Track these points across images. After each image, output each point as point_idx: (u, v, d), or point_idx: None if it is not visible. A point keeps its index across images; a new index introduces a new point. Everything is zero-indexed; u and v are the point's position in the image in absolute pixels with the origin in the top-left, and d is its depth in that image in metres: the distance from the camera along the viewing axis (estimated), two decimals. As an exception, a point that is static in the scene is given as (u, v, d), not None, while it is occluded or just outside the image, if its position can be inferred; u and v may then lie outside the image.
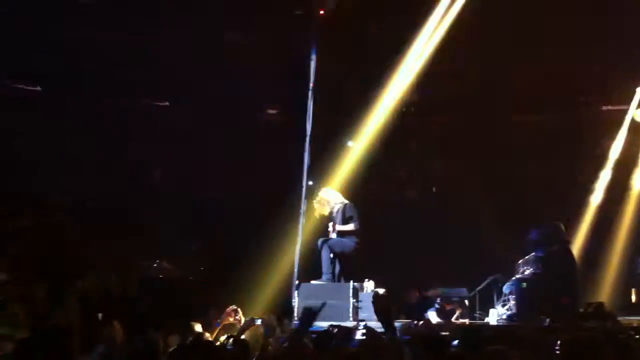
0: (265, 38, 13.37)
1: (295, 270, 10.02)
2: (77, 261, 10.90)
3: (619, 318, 8.92)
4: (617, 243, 13.48)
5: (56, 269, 10.32)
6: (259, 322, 6.68)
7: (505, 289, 10.34)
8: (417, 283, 11.66)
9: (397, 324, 5.84)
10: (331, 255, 9.87)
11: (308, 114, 10.44)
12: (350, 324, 8.30)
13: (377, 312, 3.91)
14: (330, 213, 10.00)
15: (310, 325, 4.52)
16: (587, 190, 14.24)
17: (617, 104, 14.63)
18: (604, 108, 14.71)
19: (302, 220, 10.15)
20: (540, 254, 9.94)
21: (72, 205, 12.69)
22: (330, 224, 9.89)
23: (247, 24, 13.34)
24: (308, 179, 10.42)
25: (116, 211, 13.11)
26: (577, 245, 12.48)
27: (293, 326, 7.68)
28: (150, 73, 12.66)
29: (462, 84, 14.61)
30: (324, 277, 9.75)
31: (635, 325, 8.28)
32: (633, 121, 13.99)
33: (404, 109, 14.49)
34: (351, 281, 9.49)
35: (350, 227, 9.78)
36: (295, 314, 9.18)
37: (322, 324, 6.36)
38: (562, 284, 9.71)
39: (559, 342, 5.53)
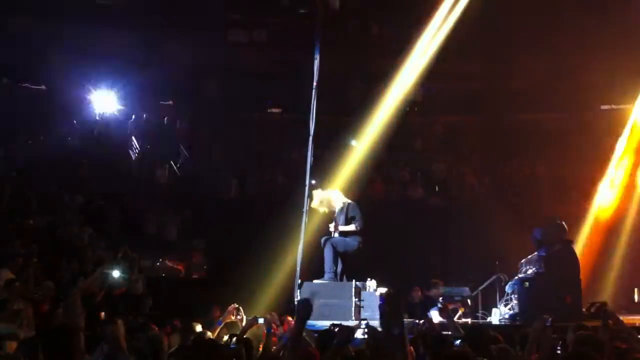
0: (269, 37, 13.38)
1: (298, 269, 9.99)
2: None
3: (622, 317, 8.89)
4: (620, 242, 13.46)
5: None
6: (261, 320, 6.67)
7: (508, 288, 10.31)
8: (419, 282, 11.63)
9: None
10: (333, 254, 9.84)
11: (312, 114, 10.40)
12: (352, 323, 8.28)
13: (387, 311, 3.81)
14: (333, 212, 9.97)
15: (307, 317, 4.49)
16: (591, 189, 14.24)
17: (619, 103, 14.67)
18: (605, 107, 14.74)
19: (305, 219, 10.12)
20: (542, 254, 9.90)
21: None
22: (332, 224, 9.85)
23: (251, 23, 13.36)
24: (311, 178, 10.39)
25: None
26: (579, 245, 12.46)
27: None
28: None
29: (465, 83, 14.62)
30: (327, 276, 9.72)
31: (638, 324, 8.26)
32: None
33: (408, 109, 14.51)
34: (353, 280, 9.47)
35: (353, 227, 9.75)
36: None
37: (324, 323, 6.35)
38: (564, 283, 9.68)
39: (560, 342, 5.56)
